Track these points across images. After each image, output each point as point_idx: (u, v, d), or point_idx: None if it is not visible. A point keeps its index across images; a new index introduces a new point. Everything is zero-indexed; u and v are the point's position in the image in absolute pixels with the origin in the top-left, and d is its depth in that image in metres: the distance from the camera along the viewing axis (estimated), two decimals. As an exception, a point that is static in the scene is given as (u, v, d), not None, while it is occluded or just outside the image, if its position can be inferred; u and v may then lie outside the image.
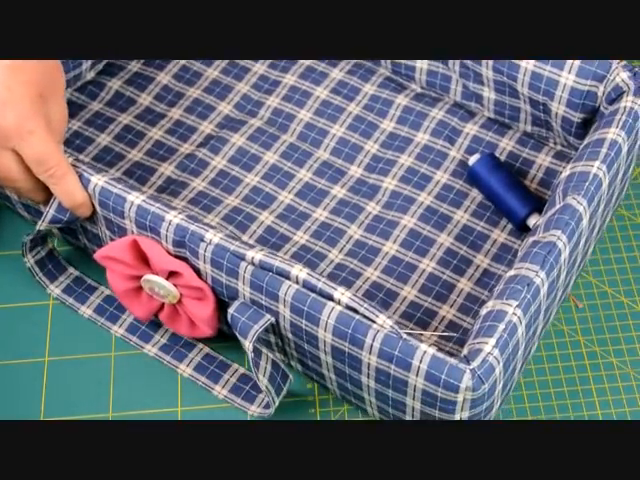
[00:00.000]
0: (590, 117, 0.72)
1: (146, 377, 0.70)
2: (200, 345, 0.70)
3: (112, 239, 0.67)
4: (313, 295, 0.59)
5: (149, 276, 0.65)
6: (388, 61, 0.81)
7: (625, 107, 0.66)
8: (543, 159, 0.76)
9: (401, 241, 0.73)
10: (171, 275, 0.64)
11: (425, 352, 0.57)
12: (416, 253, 0.72)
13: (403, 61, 0.80)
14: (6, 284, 0.74)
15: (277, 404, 0.65)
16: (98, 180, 0.65)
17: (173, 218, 0.63)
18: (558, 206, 0.63)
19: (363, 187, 0.76)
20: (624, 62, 0.68)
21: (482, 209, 0.74)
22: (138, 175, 0.76)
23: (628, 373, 0.69)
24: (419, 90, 0.81)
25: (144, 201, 0.63)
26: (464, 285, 0.71)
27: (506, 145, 0.77)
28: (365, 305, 0.58)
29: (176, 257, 0.64)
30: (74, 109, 0.80)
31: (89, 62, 0.80)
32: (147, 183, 0.76)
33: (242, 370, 0.69)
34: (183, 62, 0.83)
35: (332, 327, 0.59)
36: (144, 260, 0.65)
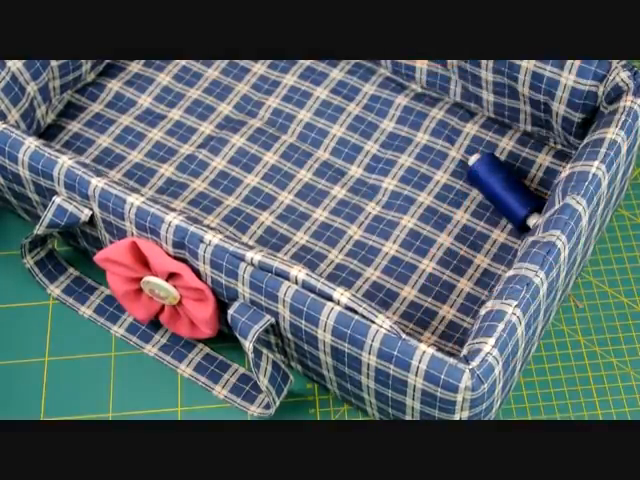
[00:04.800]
0: (590, 117, 0.72)
1: (146, 377, 0.70)
2: (200, 345, 0.70)
3: (112, 242, 0.67)
4: (312, 295, 0.59)
5: (149, 278, 0.65)
6: (388, 61, 0.81)
7: (625, 107, 0.66)
8: (543, 159, 0.76)
9: (401, 241, 0.73)
10: (171, 276, 0.64)
11: (424, 352, 0.57)
12: (416, 253, 0.72)
13: (403, 61, 0.80)
14: (6, 284, 0.74)
15: (278, 404, 0.65)
16: (98, 182, 0.65)
17: (173, 219, 0.63)
18: (557, 206, 0.63)
19: (363, 187, 0.76)
20: (624, 62, 0.68)
21: (482, 209, 0.74)
22: (138, 176, 0.76)
23: (628, 373, 0.69)
24: (419, 90, 0.81)
25: (144, 203, 0.63)
26: (464, 285, 0.71)
27: (506, 145, 0.77)
28: (364, 305, 0.58)
29: (176, 258, 0.64)
30: (74, 111, 0.80)
31: (89, 64, 0.80)
32: (147, 184, 0.76)
33: (242, 370, 0.69)
34: (183, 63, 0.83)
35: (331, 327, 0.59)
36: (144, 262, 0.65)
